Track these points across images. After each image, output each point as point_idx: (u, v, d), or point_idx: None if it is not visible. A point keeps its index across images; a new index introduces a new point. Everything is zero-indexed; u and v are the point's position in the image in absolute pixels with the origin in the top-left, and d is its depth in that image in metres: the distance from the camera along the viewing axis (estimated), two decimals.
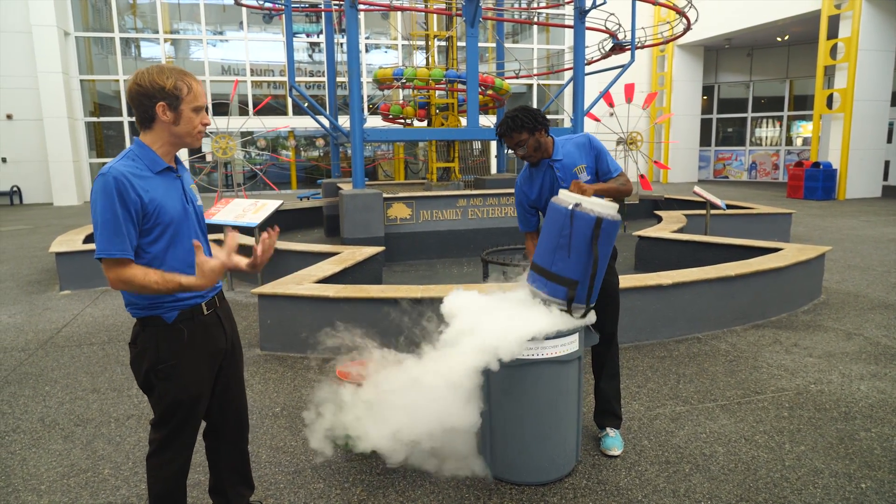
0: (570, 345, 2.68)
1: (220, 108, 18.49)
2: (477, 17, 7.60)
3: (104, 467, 2.90)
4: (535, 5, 11.33)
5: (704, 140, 24.56)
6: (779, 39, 21.57)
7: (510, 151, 2.87)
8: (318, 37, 21.50)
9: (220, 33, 21.44)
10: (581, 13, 8.08)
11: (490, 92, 9.08)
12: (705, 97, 24.41)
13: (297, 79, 21.38)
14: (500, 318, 2.61)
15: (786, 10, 17.52)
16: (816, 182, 15.66)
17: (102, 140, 20.05)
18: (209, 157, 19.70)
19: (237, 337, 2.25)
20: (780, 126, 23.42)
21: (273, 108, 20.84)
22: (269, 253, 1.99)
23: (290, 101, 20.58)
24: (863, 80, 15.56)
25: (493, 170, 15.34)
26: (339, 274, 5.26)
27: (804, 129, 22.68)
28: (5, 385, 3.97)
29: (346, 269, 5.41)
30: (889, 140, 18.35)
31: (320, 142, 21.83)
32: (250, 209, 6.28)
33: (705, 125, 24.47)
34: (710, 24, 20.01)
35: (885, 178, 18.77)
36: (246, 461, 2.35)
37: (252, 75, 20.95)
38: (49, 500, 2.65)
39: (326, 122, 10.35)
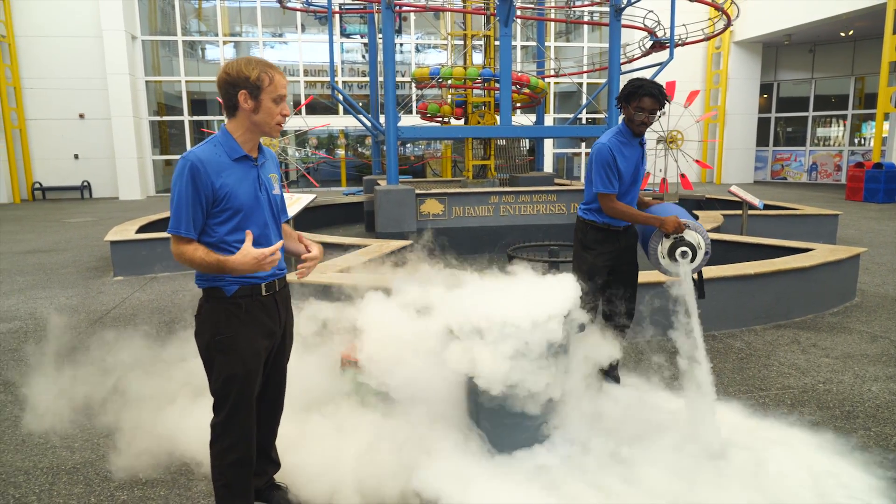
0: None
1: None
2: (511, 16, 7.71)
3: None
4: (573, 4, 11.30)
5: (762, 140, 23.73)
6: (843, 35, 20.64)
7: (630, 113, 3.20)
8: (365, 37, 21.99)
9: (280, 35, 22.17)
10: (617, 11, 8.06)
11: (526, 90, 9.16)
12: (764, 95, 23.59)
13: (349, 79, 22.03)
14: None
15: (849, 4, 16.79)
16: (878, 184, 14.95)
17: (167, 138, 21.11)
18: None
19: (291, 325, 2.38)
20: (845, 125, 22.39)
21: (326, 107, 21.44)
22: (312, 266, 2.22)
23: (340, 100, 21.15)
24: None
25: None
26: (364, 264, 5.48)
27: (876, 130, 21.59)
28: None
29: (370, 260, 5.63)
30: None
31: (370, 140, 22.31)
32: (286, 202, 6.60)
33: (763, 124, 23.64)
34: (768, 20, 19.38)
35: None
36: (273, 442, 2.48)
37: (306, 76, 21.56)
38: (80, 456, 2.97)
39: (368, 122, 10.65)
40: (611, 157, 3.20)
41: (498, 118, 9.69)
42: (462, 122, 9.98)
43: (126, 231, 7.74)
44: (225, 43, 20.93)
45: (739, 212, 8.39)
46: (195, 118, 20.63)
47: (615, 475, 2.62)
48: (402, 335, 2.91)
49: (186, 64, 20.42)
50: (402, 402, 2.95)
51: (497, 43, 9.06)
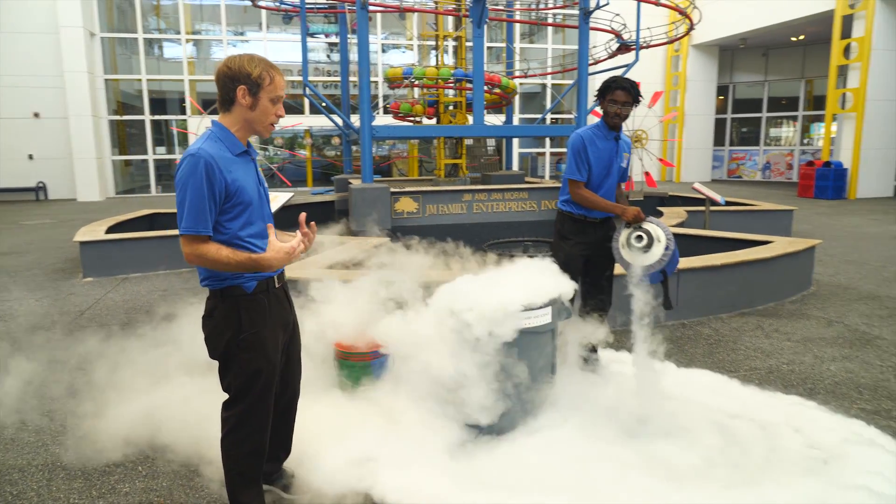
0: (544, 317, 2.96)
1: None
2: (483, 17, 7.86)
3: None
4: (542, 6, 11.55)
5: (719, 140, 24.51)
6: (794, 39, 21.50)
7: (599, 104, 3.48)
8: (336, 37, 21.88)
9: (241, 34, 21.91)
10: (585, 14, 8.30)
11: (497, 90, 9.33)
12: (720, 97, 24.37)
13: (315, 78, 21.88)
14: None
15: (800, 10, 17.51)
16: (827, 181, 15.67)
17: (125, 138, 20.62)
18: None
19: (295, 315, 2.42)
20: (796, 126, 23.32)
21: (290, 107, 21.25)
22: (309, 244, 2.16)
23: (306, 100, 20.99)
24: (875, 79, 15.52)
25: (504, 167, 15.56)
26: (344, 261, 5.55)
27: (824, 131, 22.58)
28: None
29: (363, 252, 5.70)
30: None
31: (336, 140, 22.22)
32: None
33: (720, 125, 24.43)
34: (725, 24, 20.03)
35: None
36: (291, 429, 2.52)
37: None
38: (75, 453, 2.99)
39: (340, 121, 10.67)
40: (581, 145, 3.42)
41: (469, 118, 9.85)
42: (434, 121, 10.11)
43: (95, 231, 7.61)
44: (188, 41, 20.56)
45: (702, 208, 8.73)
46: (156, 118, 20.22)
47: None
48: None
49: (146, 62, 19.99)
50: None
51: (469, 44, 9.22)
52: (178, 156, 20.71)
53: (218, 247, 2.01)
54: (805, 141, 23.07)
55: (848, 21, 16.03)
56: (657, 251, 3.15)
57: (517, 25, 11.56)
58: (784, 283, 5.74)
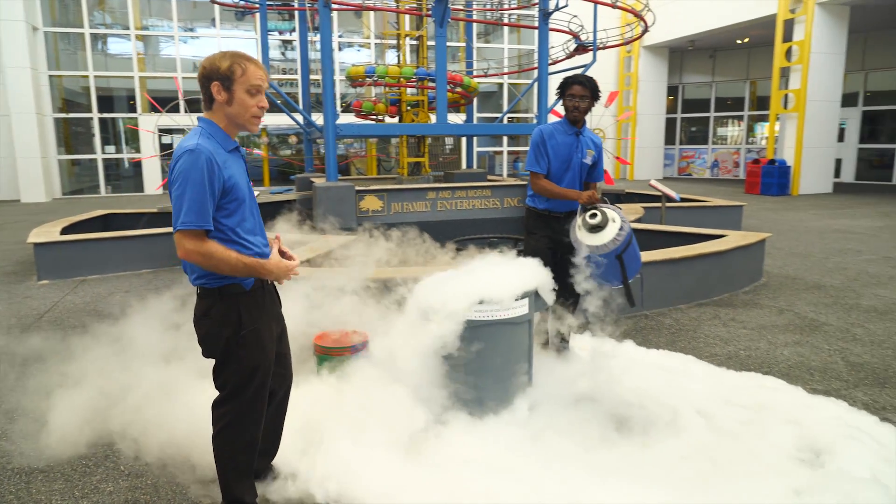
0: (521, 308, 3.07)
1: (194, 105, 18.50)
2: (446, 17, 7.95)
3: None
4: (502, 6, 11.73)
5: (669, 139, 25.30)
6: (739, 42, 22.36)
7: (562, 100, 3.62)
8: (290, 34, 21.63)
9: (191, 30, 21.41)
10: (545, 15, 8.49)
11: (459, 90, 9.44)
12: (670, 97, 25.14)
13: (271, 76, 21.55)
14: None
15: (745, 14, 18.22)
16: (772, 178, 16.38)
17: (70, 136, 19.88)
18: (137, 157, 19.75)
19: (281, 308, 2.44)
20: (741, 125, 24.27)
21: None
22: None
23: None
24: (815, 81, 16.30)
25: (464, 165, 15.71)
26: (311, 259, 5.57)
27: (767, 130, 23.56)
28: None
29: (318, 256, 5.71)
30: (840, 139, 19.19)
31: (293, 139, 21.96)
32: None
33: (670, 124, 25.20)
34: (675, 27, 20.67)
35: (837, 175, 19.67)
36: (282, 424, 2.53)
37: None
38: (51, 454, 2.94)
39: (301, 119, 10.59)
40: (541, 139, 3.61)
41: (432, 116, 9.93)
42: (397, 119, 10.14)
43: (50, 233, 7.37)
44: (137, 38, 19.97)
45: (658, 205, 9.04)
46: (104, 116, 19.56)
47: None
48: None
49: (93, 58, 19.32)
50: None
51: (431, 43, 9.29)
52: (129, 155, 20.08)
53: (223, 247, 2.02)
54: (749, 140, 24.05)
55: (789, 25, 16.79)
56: (611, 230, 3.26)
57: (474, 24, 11.69)
58: (737, 275, 6.04)
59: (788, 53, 16.82)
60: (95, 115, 19.24)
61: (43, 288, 6.59)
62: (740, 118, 24.27)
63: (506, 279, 3.08)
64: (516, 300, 3.03)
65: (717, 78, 24.43)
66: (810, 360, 4.06)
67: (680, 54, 24.46)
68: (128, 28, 19.78)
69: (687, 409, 3.15)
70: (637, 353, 4.13)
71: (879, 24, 18.73)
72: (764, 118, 23.38)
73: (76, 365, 3.68)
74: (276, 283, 2.31)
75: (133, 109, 19.88)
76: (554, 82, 11.73)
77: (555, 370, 3.53)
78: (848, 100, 18.92)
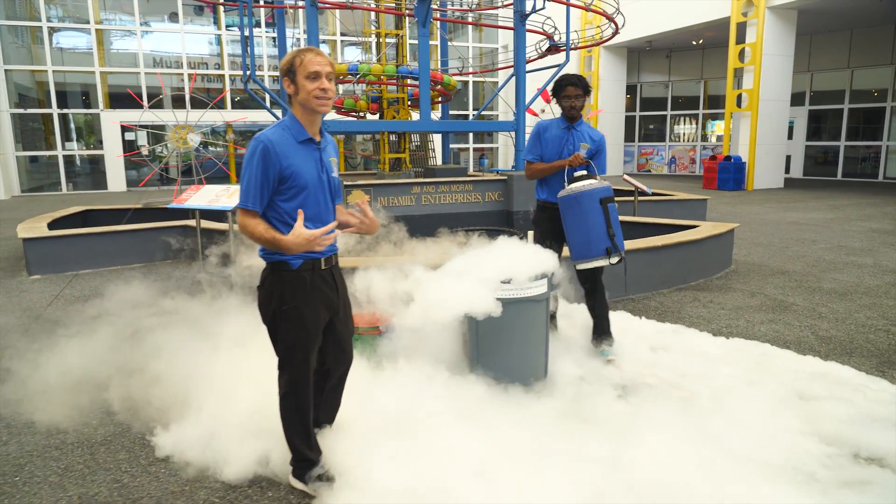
0: (540, 288, 3.40)
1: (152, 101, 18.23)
2: (428, 17, 8.22)
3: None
4: (474, 6, 12.05)
5: (629, 136, 26.15)
6: (694, 43, 23.30)
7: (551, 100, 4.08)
8: (246, 31, 21.51)
9: (146, 24, 21.00)
10: (522, 16, 8.84)
11: (439, 87, 9.72)
12: (629, 96, 25.98)
13: (230, 72, 21.35)
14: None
15: (700, 16, 19.07)
16: (728, 174, 17.23)
17: (23, 133, 19.28)
18: (144, 151, 19.40)
19: (347, 299, 2.60)
20: (696, 123, 25.29)
21: (202, 101, 20.67)
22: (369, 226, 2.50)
23: (228, 95, 20.51)
24: (767, 81, 17.21)
25: (438, 161, 15.99)
26: None
27: (717, 128, 24.64)
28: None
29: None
30: (789, 137, 20.28)
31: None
32: (223, 194, 6.64)
33: (629, 122, 26.06)
34: (633, 28, 21.33)
35: (787, 171, 20.76)
36: (339, 402, 2.74)
37: (176, 67, 20.58)
38: (107, 431, 3.12)
39: (281, 116, 10.69)
40: (536, 131, 4.05)
41: (413, 114, 10.18)
42: (377, 116, 10.35)
43: (38, 228, 7.34)
44: (96, 31, 19.49)
45: (630, 198, 9.52)
46: (64, 111, 19.05)
47: None
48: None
49: (47, 52, 18.77)
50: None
51: (414, 42, 9.53)
52: (94, 152, 19.61)
53: (258, 222, 2.25)
54: (703, 137, 25.09)
55: (742, 28, 17.65)
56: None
57: (440, 23, 12.00)
58: (711, 262, 6.51)
59: (742, 55, 17.68)
60: (55, 110, 18.74)
61: (36, 283, 6.58)
62: (695, 116, 25.28)
63: (525, 262, 3.40)
64: (536, 280, 3.35)
65: (673, 77, 25.37)
66: (785, 336, 4.51)
67: (637, 54, 25.30)
68: (85, 22, 19.30)
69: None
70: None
71: (824, 27, 19.86)
72: (716, 116, 24.44)
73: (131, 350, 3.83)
74: (333, 267, 2.50)
75: (88, 105, 19.39)
76: (529, 82, 12.15)
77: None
78: (795, 99, 19.99)
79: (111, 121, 18.97)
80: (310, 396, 2.52)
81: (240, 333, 3.82)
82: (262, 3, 10.53)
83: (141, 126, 16.07)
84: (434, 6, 11.27)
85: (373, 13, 10.83)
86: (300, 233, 2.19)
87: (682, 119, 25.85)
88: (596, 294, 4.02)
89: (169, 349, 3.78)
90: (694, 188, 17.42)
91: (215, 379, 3.32)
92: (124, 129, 19.22)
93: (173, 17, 21.15)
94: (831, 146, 21.54)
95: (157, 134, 20.02)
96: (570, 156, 3.95)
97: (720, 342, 4.29)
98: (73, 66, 19.31)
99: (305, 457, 2.54)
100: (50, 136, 19.02)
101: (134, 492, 2.62)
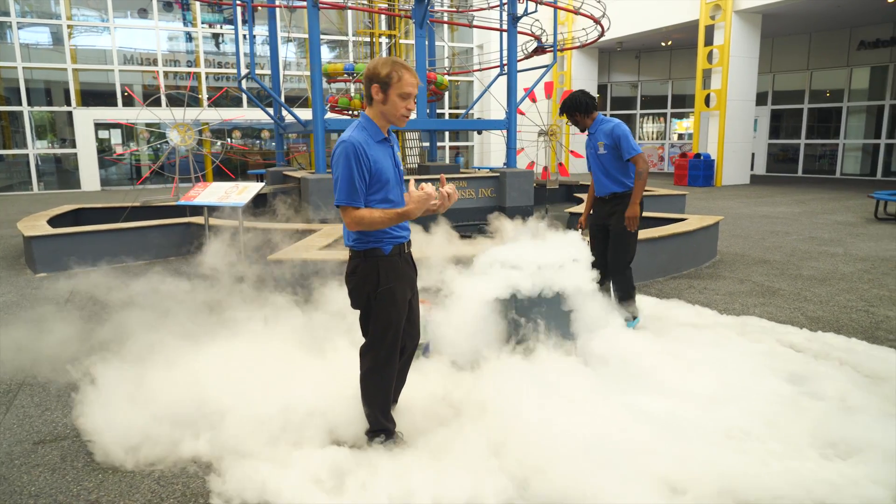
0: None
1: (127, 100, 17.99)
2: (425, 19, 8.47)
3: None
4: (462, 8, 12.35)
5: None
6: (663, 44, 24.04)
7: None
8: (220, 27, 21.47)
9: (104, 20, 20.63)
10: (514, 19, 9.17)
11: (432, 87, 9.98)
12: (599, 95, 26.62)
13: (206, 70, 21.19)
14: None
15: (669, 19, 19.74)
16: (698, 171, 17.92)
17: None
18: (120, 150, 19.14)
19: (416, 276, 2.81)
20: (664, 122, 26.08)
21: (175, 99, 20.48)
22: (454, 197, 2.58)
23: (204, 93, 20.36)
24: (734, 82, 17.95)
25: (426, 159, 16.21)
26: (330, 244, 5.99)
27: (679, 126, 25.49)
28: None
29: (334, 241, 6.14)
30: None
31: (238, 133, 21.67)
32: (233, 191, 6.79)
33: None
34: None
35: (752, 167, 21.62)
36: (405, 376, 2.95)
37: (150, 64, 20.34)
38: None
39: (276, 114, 10.78)
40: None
41: None
42: None
43: (40, 226, 7.34)
44: (68, 27, 19.11)
45: None
46: (37, 109, 18.62)
47: None
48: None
49: (10, 48, 18.32)
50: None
51: (409, 42, 9.75)
52: (66, 151, 19.22)
53: (370, 210, 2.48)
54: (672, 136, 25.90)
55: (710, 30, 18.36)
56: None
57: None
58: (699, 253, 6.95)
59: (710, 56, 18.38)
60: (25, 108, 18.34)
61: (45, 280, 6.61)
62: (662, 115, 26.07)
63: (560, 251, 3.72)
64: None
65: (642, 77, 26.11)
66: (778, 316, 4.94)
67: (608, 55, 25.94)
68: (53, 18, 18.92)
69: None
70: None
71: (785, 30, 20.77)
72: (682, 115, 25.26)
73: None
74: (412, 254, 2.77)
75: (51, 102, 18.99)
76: (515, 80, 12.48)
77: None
78: (758, 99, 20.84)
79: (84, 119, 18.66)
80: (394, 373, 2.75)
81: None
82: (262, 2, 10.59)
83: (140, 124, 15.85)
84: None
85: (367, 14, 11.01)
86: (415, 195, 2.45)
87: (649, 118, 26.62)
88: (623, 277, 4.66)
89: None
90: (665, 185, 18.03)
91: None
92: (98, 126, 18.92)
93: (142, 12, 20.90)
94: (791, 144, 22.52)
95: (131, 132, 19.77)
96: (594, 156, 4.54)
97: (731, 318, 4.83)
98: (41, 62, 18.88)
99: (384, 427, 2.79)
100: (16, 134, 18.57)
101: None
